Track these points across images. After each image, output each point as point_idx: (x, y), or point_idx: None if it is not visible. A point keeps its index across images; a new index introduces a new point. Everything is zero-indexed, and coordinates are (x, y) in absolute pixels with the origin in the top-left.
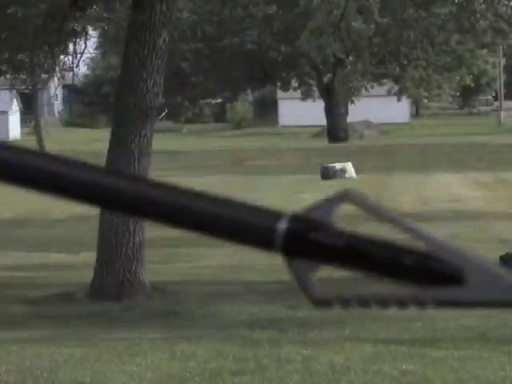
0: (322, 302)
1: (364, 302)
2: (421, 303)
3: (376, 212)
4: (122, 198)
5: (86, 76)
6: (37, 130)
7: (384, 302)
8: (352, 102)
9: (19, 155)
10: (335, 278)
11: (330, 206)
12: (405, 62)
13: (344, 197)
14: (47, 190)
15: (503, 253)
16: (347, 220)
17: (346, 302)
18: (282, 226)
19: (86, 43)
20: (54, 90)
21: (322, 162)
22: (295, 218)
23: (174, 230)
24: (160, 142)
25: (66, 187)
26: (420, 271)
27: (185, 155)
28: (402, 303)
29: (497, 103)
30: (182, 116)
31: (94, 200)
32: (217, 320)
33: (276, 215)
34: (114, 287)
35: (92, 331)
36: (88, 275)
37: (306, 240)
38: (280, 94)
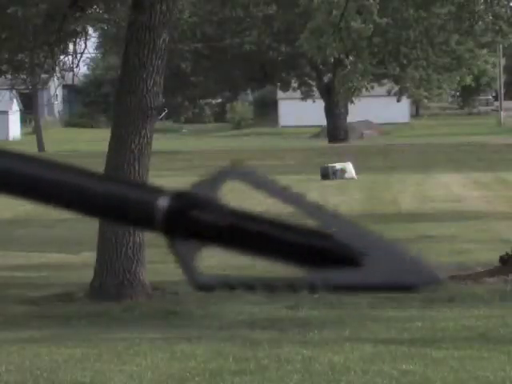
0: (204, 286)
1: (249, 286)
2: (312, 287)
3: (265, 187)
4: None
5: (85, 76)
6: (37, 130)
7: (271, 287)
8: (352, 101)
9: None
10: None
11: (216, 183)
12: (405, 62)
13: (230, 172)
14: None
15: (503, 253)
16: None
17: (230, 286)
18: (163, 203)
19: (85, 43)
20: (54, 90)
21: (321, 162)
22: (177, 195)
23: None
24: (160, 142)
25: None
26: (312, 252)
27: (185, 155)
28: (291, 287)
29: (497, 103)
30: (182, 116)
31: None
32: (217, 320)
33: (157, 192)
34: (113, 287)
35: (92, 331)
36: (88, 275)
37: (188, 218)
38: (280, 94)
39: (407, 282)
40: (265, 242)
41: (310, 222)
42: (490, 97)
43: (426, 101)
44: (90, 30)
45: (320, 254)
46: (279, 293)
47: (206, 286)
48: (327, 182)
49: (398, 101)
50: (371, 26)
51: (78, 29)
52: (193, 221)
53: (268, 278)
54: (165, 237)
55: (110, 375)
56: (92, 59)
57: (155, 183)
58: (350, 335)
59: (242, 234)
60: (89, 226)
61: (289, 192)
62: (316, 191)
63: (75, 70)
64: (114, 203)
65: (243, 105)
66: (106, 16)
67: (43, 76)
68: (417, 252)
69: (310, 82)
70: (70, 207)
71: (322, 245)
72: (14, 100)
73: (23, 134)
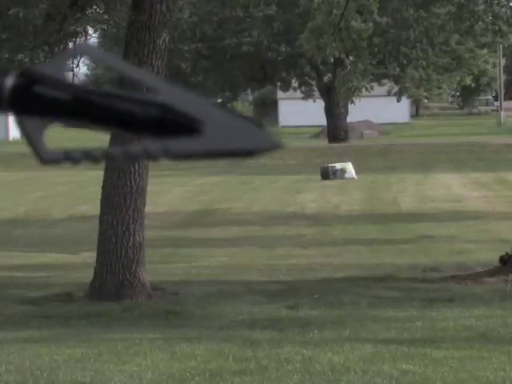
0: (50, 160)
1: (92, 158)
2: (153, 155)
3: (109, 64)
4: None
5: (86, 76)
6: None
7: (112, 157)
8: (352, 101)
9: None
10: None
11: (62, 61)
12: (405, 62)
13: (76, 50)
14: None
15: (503, 253)
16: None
17: (74, 159)
18: (9, 81)
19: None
20: None
21: (321, 162)
22: (22, 74)
23: (175, 229)
24: None
25: None
26: (152, 122)
27: None
28: (131, 157)
29: (497, 103)
30: None
31: None
32: (217, 320)
33: (2, 71)
34: (114, 287)
35: (92, 331)
36: (88, 275)
37: (32, 94)
38: (280, 94)
39: (246, 147)
40: (106, 113)
41: (150, 94)
42: (490, 97)
43: (425, 101)
44: (90, 30)
45: (159, 124)
46: (119, 161)
47: (52, 160)
48: (327, 182)
49: (398, 101)
50: (371, 24)
51: (78, 29)
52: (37, 96)
53: (110, 149)
54: (13, 114)
55: (110, 375)
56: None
57: (154, 183)
58: (350, 335)
59: (84, 106)
60: (88, 226)
61: (133, 66)
62: (316, 191)
63: (75, 70)
64: None
65: (243, 105)
66: (105, 17)
67: None
68: (256, 118)
69: (310, 81)
70: None
71: (160, 114)
72: None
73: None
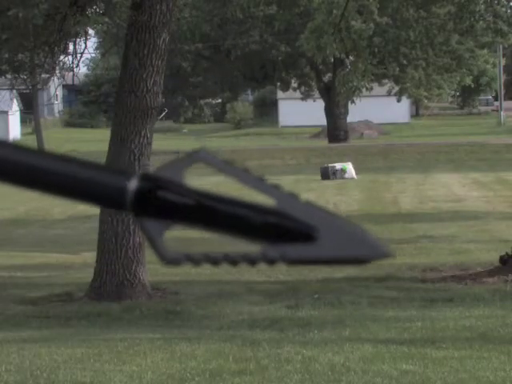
0: (172, 261)
1: (213, 260)
2: (270, 260)
3: (227, 171)
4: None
5: (86, 76)
6: (37, 130)
7: (233, 260)
8: (353, 101)
9: None
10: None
11: (182, 165)
12: (405, 63)
13: (195, 155)
14: None
15: (503, 253)
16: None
17: (195, 261)
18: (132, 185)
19: (86, 43)
20: (54, 90)
21: (321, 162)
22: (145, 177)
23: (174, 229)
24: (160, 142)
25: None
26: (269, 228)
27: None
28: (251, 261)
29: (497, 103)
30: (182, 116)
31: None
32: (217, 320)
33: (126, 175)
34: (114, 287)
35: (92, 331)
36: (88, 275)
37: (156, 199)
38: (280, 94)
39: (358, 254)
40: (227, 219)
41: (269, 202)
42: (490, 97)
43: (426, 101)
44: (90, 30)
45: (277, 231)
46: (240, 265)
47: (174, 261)
48: (327, 182)
49: (398, 101)
50: (372, 24)
51: (78, 29)
52: (161, 201)
53: (230, 252)
54: (134, 217)
55: (110, 375)
56: (92, 59)
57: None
58: (350, 335)
59: (206, 212)
60: (88, 226)
61: (249, 174)
62: (316, 191)
63: (75, 69)
64: (88, 187)
65: (243, 105)
66: (106, 19)
67: (43, 76)
68: (364, 227)
69: (309, 81)
70: (51, 190)
71: (278, 222)
72: (14, 100)
73: (23, 134)
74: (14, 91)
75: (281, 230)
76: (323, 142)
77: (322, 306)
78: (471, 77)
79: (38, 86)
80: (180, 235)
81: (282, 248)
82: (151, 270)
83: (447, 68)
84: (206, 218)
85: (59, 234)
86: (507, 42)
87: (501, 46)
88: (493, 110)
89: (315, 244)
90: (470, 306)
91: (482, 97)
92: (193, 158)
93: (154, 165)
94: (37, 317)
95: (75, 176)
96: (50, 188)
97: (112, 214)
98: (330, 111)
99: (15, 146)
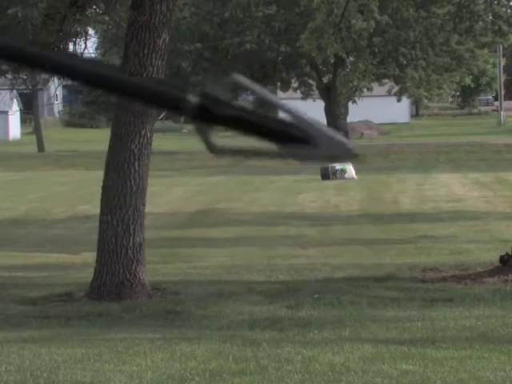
0: (219, 151)
1: (254, 153)
2: (284, 156)
3: (255, 89)
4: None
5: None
6: (37, 130)
7: (268, 154)
8: (354, 101)
9: None
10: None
11: (226, 87)
12: (405, 63)
13: (232, 79)
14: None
15: (503, 253)
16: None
17: (238, 153)
18: (193, 98)
19: (86, 43)
20: (54, 90)
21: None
22: (202, 94)
23: (175, 229)
24: (160, 142)
25: None
26: (284, 134)
27: (185, 155)
28: (271, 156)
29: (497, 103)
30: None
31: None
32: (217, 320)
33: (185, 87)
34: (114, 287)
35: (92, 331)
36: (88, 275)
37: (209, 110)
38: (280, 93)
39: (344, 152)
40: (257, 127)
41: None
42: (490, 97)
43: (426, 101)
44: (90, 30)
45: (289, 137)
46: (271, 158)
47: (221, 151)
48: (327, 182)
49: (398, 101)
50: (372, 23)
51: (78, 29)
52: (213, 111)
53: (262, 149)
54: (192, 120)
55: (110, 375)
56: None
57: (154, 183)
58: (350, 335)
59: (244, 122)
60: (88, 226)
61: (271, 94)
62: (316, 191)
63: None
64: (161, 97)
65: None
66: (106, 18)
67: (43, 76)
68: (341, 133)
69: (310, 81)
70: (137, 99)
71: (290, 131)
72: (14, 100)
73: (23, 133)
74: (14, 91)
75: (291, 136)
76: None
77: (322, 306)
78: (471, 77)
79: (38, 86)
80: (180, 235)
81: (293, 149)
82: (151, 270)
83: (447, 68)
84: (243, 126)
85: (59, 234)
86: (507, 41)
87: (501, 46)
88: (493, 110)
89: (313, 147)
90: (470, 305)
91: (482, 97)
92: (230, 80)
93: (153, 165)
94: (37, 317)
95: (156, 89)
96: (136, 97)
97: (112, 214)
98: (330, 111)
99: (108, 65)
